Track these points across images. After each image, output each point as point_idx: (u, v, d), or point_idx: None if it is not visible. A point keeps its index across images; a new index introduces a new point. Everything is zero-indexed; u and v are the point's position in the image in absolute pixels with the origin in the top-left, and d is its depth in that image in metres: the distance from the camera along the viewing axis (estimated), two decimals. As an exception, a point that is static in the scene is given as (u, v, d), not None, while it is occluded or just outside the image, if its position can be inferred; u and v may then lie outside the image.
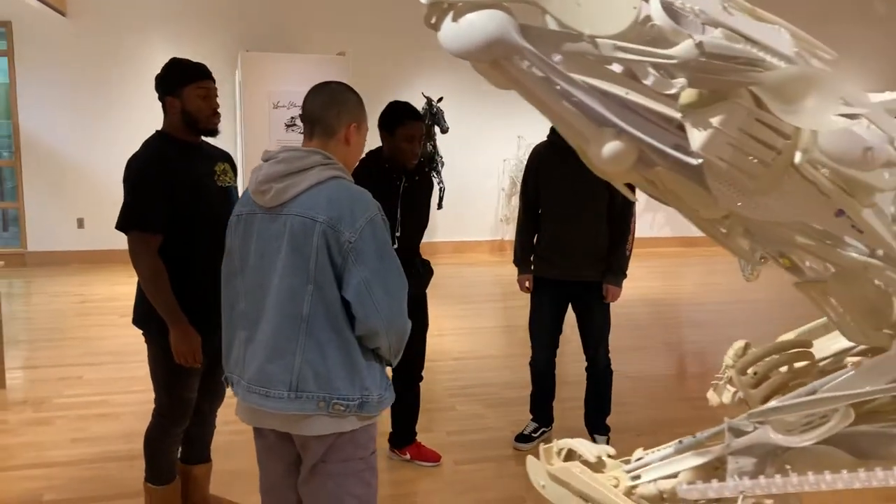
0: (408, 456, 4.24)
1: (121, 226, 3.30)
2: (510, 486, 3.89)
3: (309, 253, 2.40)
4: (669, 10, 1.10)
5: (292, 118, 7.80)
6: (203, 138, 3.35)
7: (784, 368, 1.61)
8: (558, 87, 1.13)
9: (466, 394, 5.47)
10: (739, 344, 1.64)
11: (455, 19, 1.11)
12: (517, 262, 4.25)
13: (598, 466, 1.53)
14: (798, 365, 1.63)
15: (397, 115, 3.68)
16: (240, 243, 2.54)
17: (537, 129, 7.11)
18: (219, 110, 3.31)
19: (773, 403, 1.38)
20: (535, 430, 4.39)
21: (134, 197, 3.26)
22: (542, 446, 1.58)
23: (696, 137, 1.11)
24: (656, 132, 1.14)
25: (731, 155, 1.13)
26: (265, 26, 8.76)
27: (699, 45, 1.05)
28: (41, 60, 8.27)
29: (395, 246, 3.86)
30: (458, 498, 3.87)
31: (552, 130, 3.97)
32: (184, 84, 3.20)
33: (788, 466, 1.38)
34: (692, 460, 1.44)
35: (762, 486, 1.35)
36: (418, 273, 3.99)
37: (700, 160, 1.13)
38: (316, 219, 2.40)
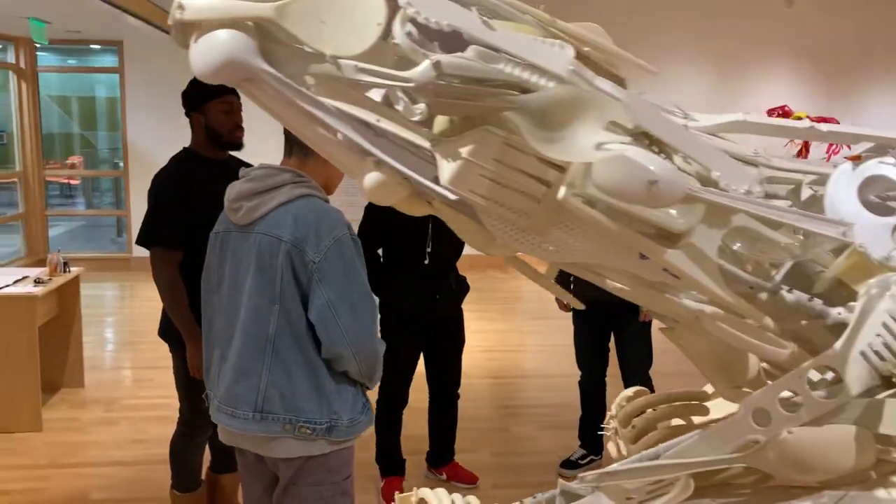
0: (444, 476, 4.17)
1: (142, 241, 3.42)
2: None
3: (274, 273, 2.38)
4: (419, 27, 0.98)
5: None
6: (234, 154, 3.41)
7: (678, 422, 1.42)
8: (309, 113, 1.03)
9: (522, 414, 5.32)
10: (628, 392, 1.47)
11: (196, 40, 1.03)
12: (557, 279, 4.14)
13: (450, 519, 1.40)
14: (699, 420, 1.44)
15: None
16: (217, 261, 2.55)
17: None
18: (242, 125, 3.36)
19: (613, 466, 1.22)
20: (582, 457, 4.22)
21: (155, 213, 3.36)
22: (397, 495, 1.47)
23: (445, 170, 0.98)
24: (416, 163, 1.02)
25: (490, 189, 0.99)
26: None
27: (436, 65, 0.93)
28: (148, 76, 8.73)
29: (426, 262, 3.82)
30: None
31: None
32: (207, 99, 3.26)
33: (624, 540, 1.21)
34: (518, 525, 1.29)
35: (583, 561, 1.19)
36: (450, 290, 3.92)
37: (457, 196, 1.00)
38: (281, 238, 2.38)
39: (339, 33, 0.99)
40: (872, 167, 1.11)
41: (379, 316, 2.46)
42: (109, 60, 9.32)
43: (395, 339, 4.14)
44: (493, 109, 0.97)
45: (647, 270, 1.06)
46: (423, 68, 0.94)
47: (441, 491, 1.46)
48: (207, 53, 1.01)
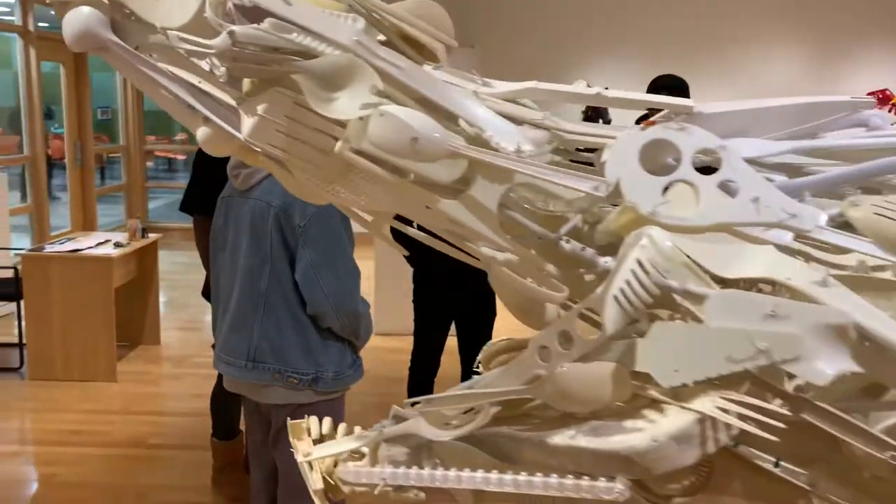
0: (472, 444, 4.34)
1: (184, 208, 3.75)
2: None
3: (266, 235, 2.63)
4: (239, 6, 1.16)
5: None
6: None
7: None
8: (151, 77, 1.23)
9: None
10: (499, 339, 1.60)
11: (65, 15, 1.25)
12: None
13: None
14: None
15: None
16: (222, 224, 2.82)
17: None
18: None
19: (447, 393, 1.37)
20: None
21: (198, 182, 3.68)
22: (289, 420, 1.66)
23: (245, 125, 1.16)
24: (235, 120, 1.21)
25: (285, 143, 1.17)
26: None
27: (231, 34, 1.11)
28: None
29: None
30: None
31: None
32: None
33: (438, 461, 1.36)
34: (354, 443, 1.46)
35: (400, 475, 1.35)
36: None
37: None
38: (271, 203, 2.62)
39: (168, 8, 1.19)
40: (655, 132, 1.21)
41: (360, 277, 2.67)
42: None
43: (424, 308, 4.34)
44: (283, 73, 1.14)
45: (432, 219, 1.21)
46: (221, 37, 1.12)
47: (328, 420, 1.65)
48: (68, 27, 1.22)
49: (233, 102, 1.19)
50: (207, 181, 3.56)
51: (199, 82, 1.20)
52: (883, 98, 9.27)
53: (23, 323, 5.53)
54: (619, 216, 1.21)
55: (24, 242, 7.36)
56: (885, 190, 1.25)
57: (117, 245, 5.62)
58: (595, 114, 8.91)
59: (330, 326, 2.67)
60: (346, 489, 1.48)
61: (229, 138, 1.23)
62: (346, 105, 1.11)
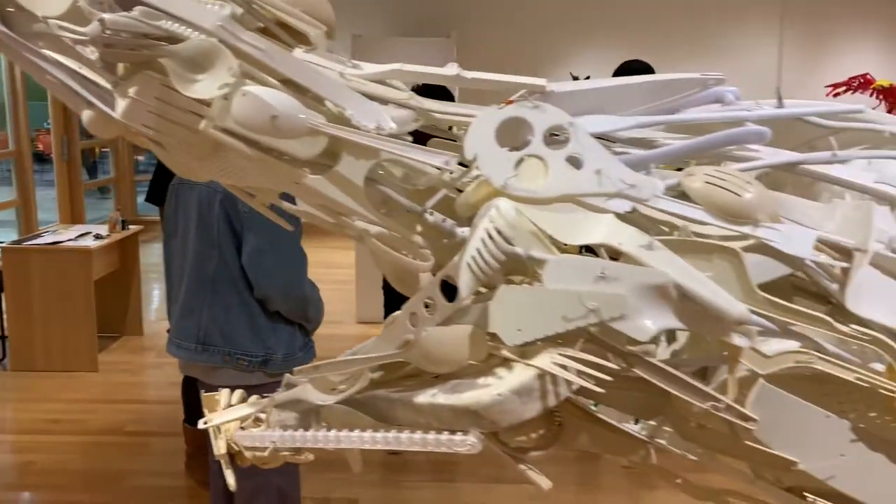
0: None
1: (150, 199, 3.86)
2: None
3: (212, 222, 2.71)
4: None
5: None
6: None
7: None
8: (37, 63, 1.31)
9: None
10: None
11: (-44, 7, 1.33)
12: None
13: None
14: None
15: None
16: (173, 210, 2.90)
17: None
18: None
19: (330, 360, 1.44)
20: None
21: (160, 174, 3.78)
22: (203, 393, 1.74)
23: (118, 107, 1.24)
24: (111, 103, 1.28)
25: (157, 123, 1.24)
26: (376, 8, 9.13)
27: (101, 21, 1.19)
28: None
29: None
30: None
31: None
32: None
33: (325, 424, 1.44)
34: (249, 409, 1.54)
35: (287, 437, 1.43)
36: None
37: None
38: (217, 189, 2.70)
39: (48, -3, 1.27)
40: (510, 110, 1.28)
41: (307, 260, 2.75)
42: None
43: (393, 294, 4.41)
44: (151, 57, 1.22)
45: (306, 195, 1.29)
46: (92, 25, 1.20)
47: (239, 392, 1.73)
48: (-44, 18, 1.30)
49: (107, 85, 1.26)
50: (170, 172, 3.64)
51: (80, 68, 1.28)
52: (864, 82, 9.32)
53: (4, 315, 5.62)
54: (476, 190, 1.28)
55: (12, 237, 7.45)
56: (728, 160, 1.32)
57: (97, 237, 5.71)
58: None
59: (278, 310, 2.76)
60: (248, 454, 1.56)
61: (111, 121, 1.30)
62: (207, 86, 1.19)
